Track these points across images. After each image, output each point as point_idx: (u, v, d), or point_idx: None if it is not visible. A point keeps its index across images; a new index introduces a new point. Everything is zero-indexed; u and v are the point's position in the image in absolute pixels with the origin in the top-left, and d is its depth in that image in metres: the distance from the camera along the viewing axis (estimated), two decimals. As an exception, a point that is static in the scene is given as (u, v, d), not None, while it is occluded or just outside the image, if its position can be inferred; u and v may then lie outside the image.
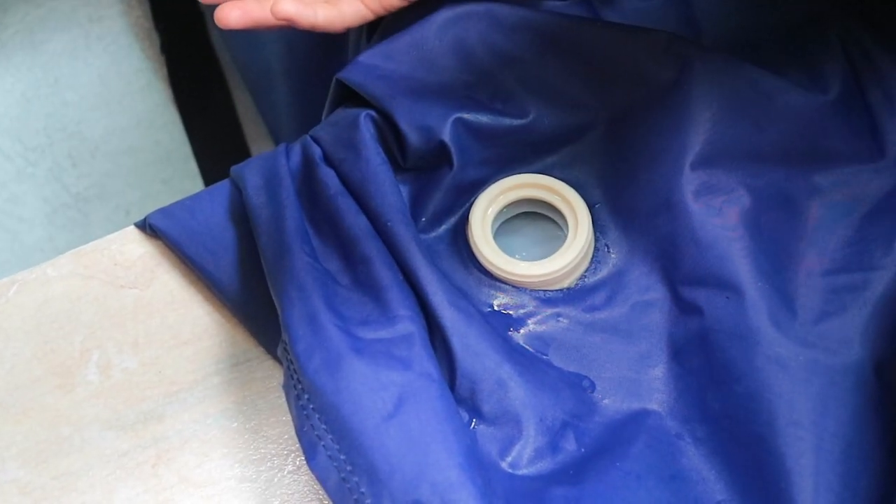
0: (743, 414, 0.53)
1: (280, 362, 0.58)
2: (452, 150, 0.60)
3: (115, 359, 0.62)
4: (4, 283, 0.64)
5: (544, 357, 0.57)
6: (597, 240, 0.60)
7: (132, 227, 0.66)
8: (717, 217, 0.56)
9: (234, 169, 0.64)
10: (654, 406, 0.55)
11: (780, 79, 0.58)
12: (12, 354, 0.63)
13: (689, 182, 0.57)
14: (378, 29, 0.66)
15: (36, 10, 1.37)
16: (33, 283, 0.64)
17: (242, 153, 1.30)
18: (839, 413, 0.52)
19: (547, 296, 0.59)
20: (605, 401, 0.56)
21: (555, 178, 0.60)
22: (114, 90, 1.34)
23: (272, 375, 0.62)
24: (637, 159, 0.59)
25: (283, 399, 0.58)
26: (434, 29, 0.61)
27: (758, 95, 0.58)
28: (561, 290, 0.59)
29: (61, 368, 0.62)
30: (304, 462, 0.57)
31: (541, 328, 0.58)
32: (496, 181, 0.61)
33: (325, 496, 0.58)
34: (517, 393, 0.54)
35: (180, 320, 0.63)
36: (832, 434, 0.52)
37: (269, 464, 0.60)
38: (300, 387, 0.53)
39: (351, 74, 0.62)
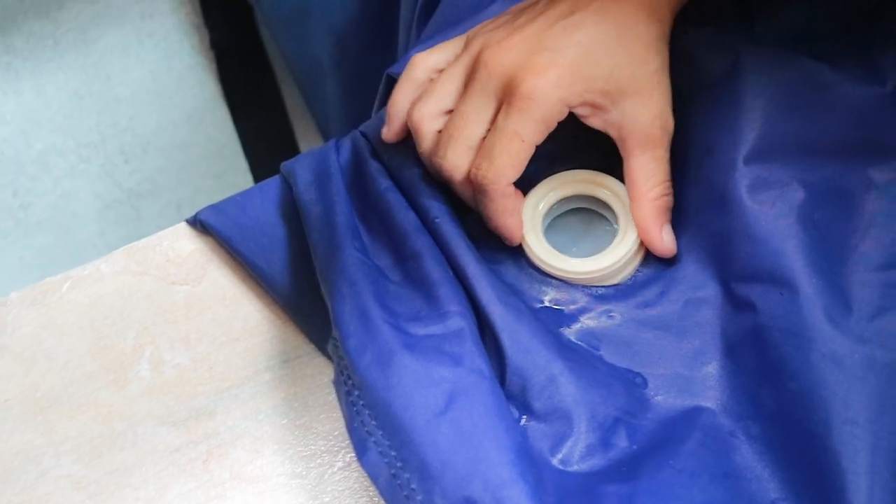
0: (797, 412, 0.52)
1: (330, 359, 0.58)
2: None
3: (166, 355, 0.63)
4: (58, 280, 0.65)
5: (596, 353, 0.57)
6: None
7: (183, 224, 0.66)
8: (771, 212, 0.55)
9: (284, 165, 0.64)
10: (707, 403, 0.55)
11: (834, 71, 0.57)
12: (66, 350, 0.63)
13: (743, 177, 0.56)
14: (427, 24, 0.66)
15: (89, 7, 1.39)
16: (86, 279, 0.65)
17: (292, 149, 1.30)
18: None
19: (598, 292, 0.58)
20: (658, 397, 0.55)
21: (605, 173, 0.60)
22: (165, 86, 1.35)
23: (323, 372, 0.62)
24: (689, 153, 0.58)
25: (334, 395, 0.58)
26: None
27: (812, 87, 0.57)
28: (613, 286, 0.58)
29: (114, 364, 0.63)
30: (355, 458, 0.57)
31: (592, 324, 0.58)
32: (546, 177, 0.60)
33: (376, 493, 0.58)
34: (568, 389, 0.54)
35: (231, 317, 0.64)
36: (889, 432, 0.51)
37: (319, 460, 0.60)
38: (351, 383, 0.53)
39: (401, 69, 0.62)
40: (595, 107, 0.56)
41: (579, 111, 0.56)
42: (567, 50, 0.55)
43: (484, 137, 0.56)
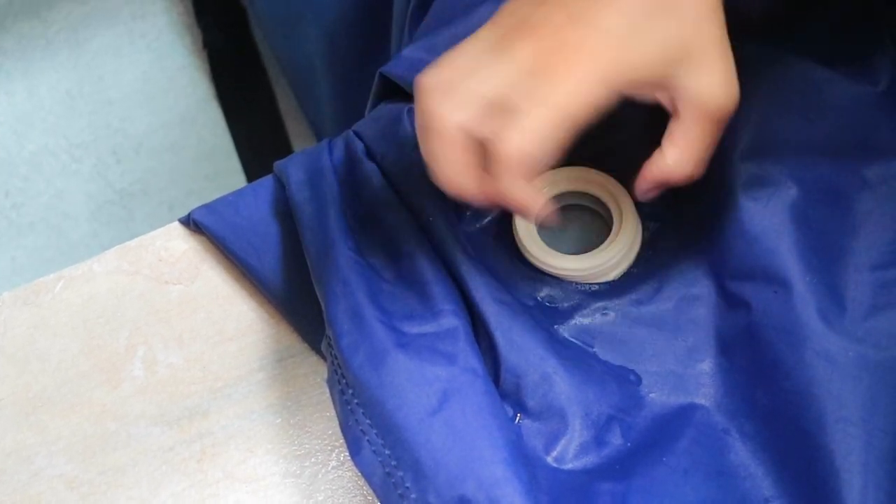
0: (791, 410, 0.52)
1: (324, 358, 0.58)
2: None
3: (160, 354, 0.63)
4: (51, 280, 0.65)
5: (590, 351, 0.57)
6: (643, 232, 0.59)
7: (176, 223, 0.66)
8: (765, 210, 0.55)
9: (277, 164, 0.64)
10: (701, 401, 0.55)
11: (828, 70, 0.58)
12: (59, 350, 0.63)
13: (738, 174, 0.56)
14: (421, 24, 0.66)
15: (80, 7, 1.38)
16: (79, 278, 0.65)
17: (285, 149, 1.30)
18: (889, 410, 0.51)
19: (592, 289, 0.58)
20: (652, 395, 0.55)
21: (600, 170, 0.60)
22: (157, 87, 1.35)
23: (316, 371, 0.62)
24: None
25: (327, 395, 0.58)
26: (478, 22, 0.61)
27: (806, 87, 0.57)
28: (607, 283, 0.58)
29: (107, 364, 0.63)
30: (349, 458, 0.57)
31: (586, 321, 0.58)
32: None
33: (370, 492, 0.58)
34: (562, 387, 0.54)
35: (224, 316, 0.63)
36: (882, 431, 0.51)
37: (313, 459, 0.60)
38: (344, 382, 0.53)
39: (395, 69, 0.62)
40: (644, 85, 0.50)
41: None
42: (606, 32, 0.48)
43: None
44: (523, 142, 0.48)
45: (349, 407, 0.52)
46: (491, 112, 0.48)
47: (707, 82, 0.50)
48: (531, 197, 0.50)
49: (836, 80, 0.58)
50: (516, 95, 0.48)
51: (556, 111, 0.48)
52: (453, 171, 0.50)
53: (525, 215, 0.51)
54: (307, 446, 0.60)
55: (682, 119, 0.50)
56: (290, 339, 0.63)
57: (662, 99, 0.51)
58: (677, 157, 0.51)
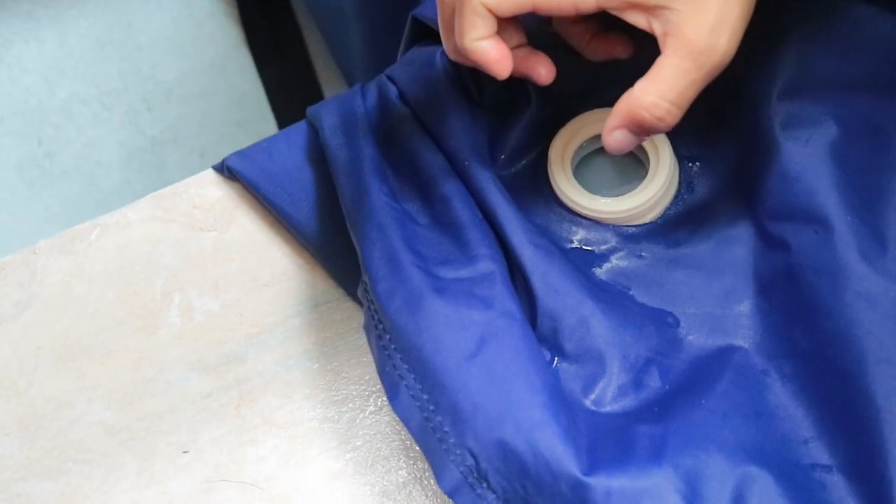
0: (831, 351, 0.51)
1: (359, 303, 0.58)
2: (530, 85, 0.59)
3: (196, 301, 0.63)
4: (86, 227, 0.65)
5: (627, 293, 0.56)
6: (680, 173, 0.59)
7: (210, 170, 0.66)
8: (805, 149, 0.54)
9: (310, 110, 0.63)
10: (739, 342, 0.54)
11: (869, 6, 0.56)
12: (96, 298, 0.63)
13: (776, 113, 0.55)
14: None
15: (108, -46, 1.38)
16: (114, 226, 0.65)
17: (315, 95, 1.30)
18: None
19: (629, 231, 0.58)
20: (690, 337, 0.55)
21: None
22: (187, 33, 1.35)
23: (352, 317, 0.62)
24: (721, 90, 0.57)
25: (364, 340, 0.58)
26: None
27: (846, 24, 0.56)
28: (643, 225, 0.58)
29: (144, 311, 0.63)
30: (386, 402, 0.57)
31: (623, 264, 0.57)
32: (575, 116, 0.60)
33: (407, 436, 0.58)
34: (600, 330, 0.53)
35: (260, 262, 0.63)
36: (923, 372, 0.50)
37: (350, 404, 0.60)
38: (381, 327, 0.53)
39: (427, 11, 0.61)
40: (636, 6, 0.51)
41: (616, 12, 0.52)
42: None
43: None
44: None
45: (386, 352, 0.52)
46: None
47: (696, 21, 0.50)
48: (483, 47, 0.52)
49: (876, 15, 0.56)
50: None
51: None
52: (443, 30, 0.54)
53: (485, 67, 0.53)
54: (344, 392, 0.60)
55: (663, 52, 0.51)
56: (326, 285, 0.63)
57: (655, 30, 0.51)
58: (645, 86, 0.51)
